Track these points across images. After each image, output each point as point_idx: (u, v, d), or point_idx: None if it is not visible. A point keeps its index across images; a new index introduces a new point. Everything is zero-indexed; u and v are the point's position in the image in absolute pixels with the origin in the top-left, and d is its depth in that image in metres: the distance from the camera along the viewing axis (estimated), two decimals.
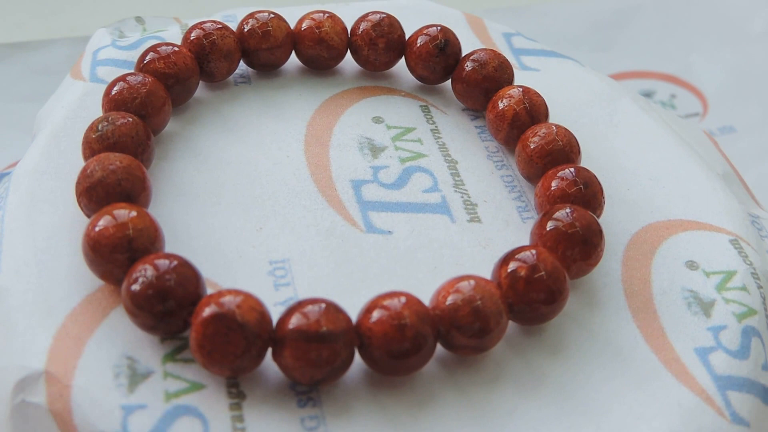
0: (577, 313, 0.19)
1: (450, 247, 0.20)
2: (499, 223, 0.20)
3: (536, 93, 0.22)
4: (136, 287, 0.16)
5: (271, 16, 0.23)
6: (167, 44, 0.22)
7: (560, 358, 0.18)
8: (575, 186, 0.19)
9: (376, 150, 0.22)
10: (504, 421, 0.17)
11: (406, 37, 0.23)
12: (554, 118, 0.23)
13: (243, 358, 0.16)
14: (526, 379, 0.17)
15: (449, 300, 0.17)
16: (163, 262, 0.16)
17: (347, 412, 0.16)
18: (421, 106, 0.23)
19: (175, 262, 0.16)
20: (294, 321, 0.16)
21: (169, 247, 0.19)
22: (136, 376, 0.16)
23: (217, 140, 0.21)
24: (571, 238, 0.18)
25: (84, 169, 0.18)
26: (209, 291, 0.17)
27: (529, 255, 0.17)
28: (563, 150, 0.20)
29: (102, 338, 0.17)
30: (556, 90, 0.24)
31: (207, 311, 0.16)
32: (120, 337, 0.17)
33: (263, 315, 0.16)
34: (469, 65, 0.22)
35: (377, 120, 0.22)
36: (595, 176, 0.20)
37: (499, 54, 0.23)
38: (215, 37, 0.22)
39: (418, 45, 0.23)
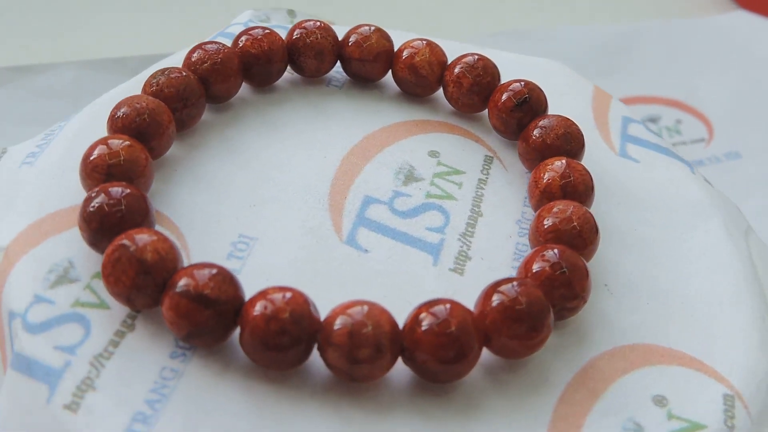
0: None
1: (414, 284, 0.19)
2: (478, 283, 0.19)
3: (583, 170, 0.21)
4: (90, 207, 0.18)
5: (372, 29, 0.23)
6: (261, 27, 0.23)
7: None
8: (554, 269, 0.18)
9: (410, 179, 0.22)
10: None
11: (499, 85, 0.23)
12: (630, 211, 0.22)
13: (132, 290, 0.17)
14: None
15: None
16: (116, 190, 0.18)
17: (206, 377, 0.17)
18: (486, 155, 0.23)
19: (128, 191, 0.18)
20: (184, 279, 0.16)
21: (160, 198, 0.20)
22: (63, 278, 0.18)
23: (285, 120, 0.23)
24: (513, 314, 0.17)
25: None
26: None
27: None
28: (572, 232, 0.19)
29: (62, 240, 0.18)
30: (644, 186, 0.23)
31: (118, 240, 0.17)
32: (76, 245, 0.18)
33: (164, 260, 0.17)
34: (537, 131, 0.21)
35: (433, 154, 0.22)
36: (581, 263, 0.18)
37: (571, 123, 0.22)
38: (315, 36, 0.23)
39: (503, 96, 0.22)
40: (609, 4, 0.46)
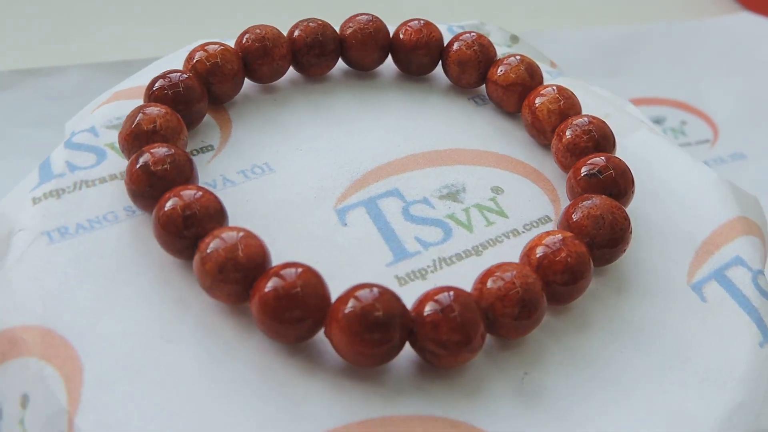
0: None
1: (354, 268, 0.19)
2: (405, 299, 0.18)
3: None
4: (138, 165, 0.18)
5: (519, 59, 0.23)
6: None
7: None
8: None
9: (451, 197, 0.21)
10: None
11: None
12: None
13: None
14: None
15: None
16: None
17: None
18: (544, 216, 0.21)
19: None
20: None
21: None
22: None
23: (398, 113, 0.23)
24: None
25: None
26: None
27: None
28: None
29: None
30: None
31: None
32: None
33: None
34: (577, 212, 0.19)
35: (496, 190, 0.21)
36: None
37: (616, 208, 0.19)
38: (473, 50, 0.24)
39: (585, 165, 0.20)
40: (614, 6, 0.46)
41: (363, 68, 0.24)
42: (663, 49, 0.41)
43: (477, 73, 0.24)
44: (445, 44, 0.24)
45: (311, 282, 0.17)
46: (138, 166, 0.18)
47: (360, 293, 0.16)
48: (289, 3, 0.43)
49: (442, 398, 0.17)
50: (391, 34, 0.24)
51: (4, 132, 0.33)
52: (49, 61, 0.36)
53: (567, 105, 0.22)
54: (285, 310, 0.16)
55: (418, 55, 0.24)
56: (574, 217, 0.19)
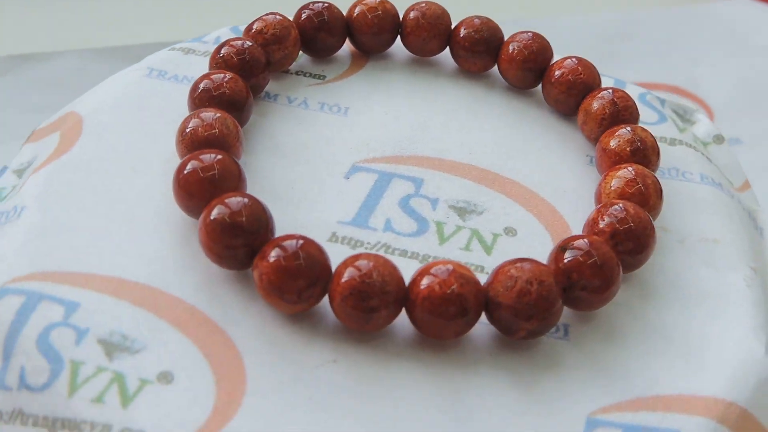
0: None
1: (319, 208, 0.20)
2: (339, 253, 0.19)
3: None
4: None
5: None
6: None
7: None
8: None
9: (459, 210, 0.21)
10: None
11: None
12: None
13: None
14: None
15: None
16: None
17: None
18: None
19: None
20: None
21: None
22: None
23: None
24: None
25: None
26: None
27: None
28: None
29: None
30: None
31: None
32: None
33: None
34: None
35: (509, 230, 0.20)
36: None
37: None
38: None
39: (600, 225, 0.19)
40: None
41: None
42: (659, 34, 0.41)
43: (573, 101, 0.23)
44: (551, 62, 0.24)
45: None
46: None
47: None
48: None
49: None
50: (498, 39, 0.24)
51: (0, 118, 0.33)
52: (46, 47, 0.36)
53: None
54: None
55: (522, 70, 0.23)
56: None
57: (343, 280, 0.17)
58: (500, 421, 0.17)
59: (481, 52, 0.24)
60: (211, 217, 0.17)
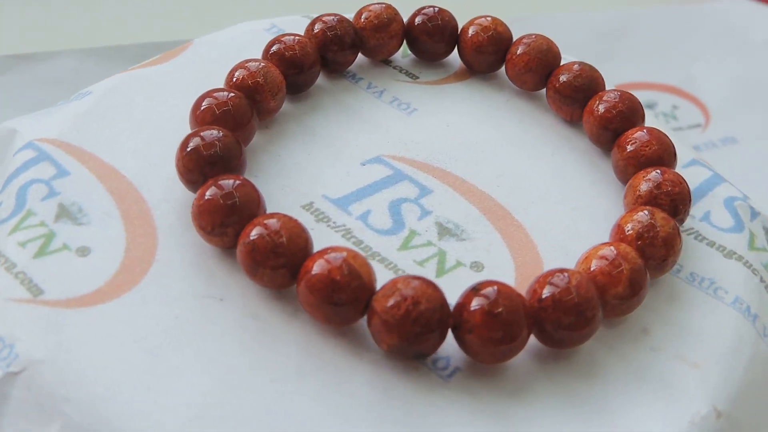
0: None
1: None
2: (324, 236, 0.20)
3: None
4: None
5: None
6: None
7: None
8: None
9: (443, 229, 0.20)
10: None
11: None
12: None
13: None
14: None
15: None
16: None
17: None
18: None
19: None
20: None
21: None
22: None
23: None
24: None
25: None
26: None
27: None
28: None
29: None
30: None
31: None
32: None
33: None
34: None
35: (476, 265, 0.20)
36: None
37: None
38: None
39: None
40: None
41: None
42: (656, 33, 0.41)
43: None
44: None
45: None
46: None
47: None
48: None
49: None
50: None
51: None
52: (42, 47, 0.36)
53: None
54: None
55: (603, 129, 0.23)
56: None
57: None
58: None
59: (574, 100, 0.23)
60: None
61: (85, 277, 0.18)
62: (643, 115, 0.23)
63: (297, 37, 0.22)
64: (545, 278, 0.18)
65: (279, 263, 0.17)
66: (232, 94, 0.20)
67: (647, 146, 0.21)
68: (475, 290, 0.17)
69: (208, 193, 0.18)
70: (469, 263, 0.20)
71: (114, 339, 0.17)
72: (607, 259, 0.18)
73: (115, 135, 0.21)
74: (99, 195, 0.19)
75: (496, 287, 0.17)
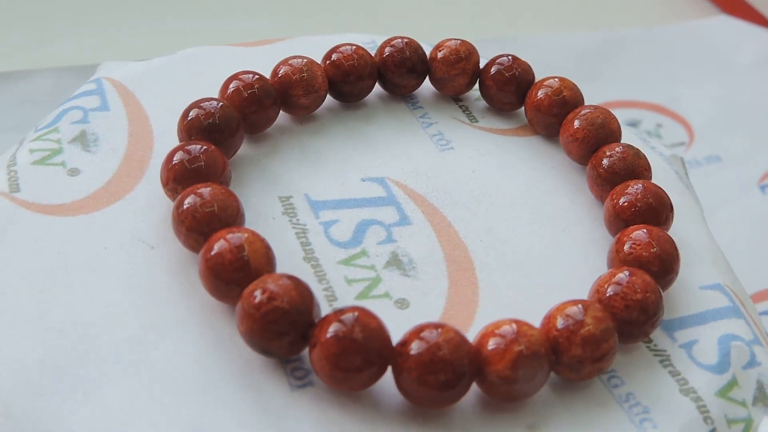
0: None
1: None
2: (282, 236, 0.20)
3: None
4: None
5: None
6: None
7: None
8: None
9: (392, 258, 0.19)
10: None
11: None
12: None
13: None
14: None
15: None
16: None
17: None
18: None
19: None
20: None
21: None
22: None
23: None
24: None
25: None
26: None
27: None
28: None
29: None
30: None
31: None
32: None
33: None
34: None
35: (401, 303, 0.19)
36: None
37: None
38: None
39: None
40: (591, 11, 0.46)
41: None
42: (640, 53, 0.41)
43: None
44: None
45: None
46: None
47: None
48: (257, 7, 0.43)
49: None
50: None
51: None
52: (20, 65, 0.36)
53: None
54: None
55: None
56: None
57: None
58: None
59: (610, 182, 0.21)
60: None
61: (60, 191, 0.19)
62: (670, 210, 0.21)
63: (354, 47, 0.23)
64: (419, 331, 0.16)
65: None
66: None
67: (646, 250, 0.19)
68: (340, 311, 0.16)
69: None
70: (397, 298, 0.19)
71: (37, 248, 0.18)
72: (503, 336, 0.16)
73: (170, 94, 0.23)
74: (120, 133, 0.21)
75: (357, 314, 0.16)
